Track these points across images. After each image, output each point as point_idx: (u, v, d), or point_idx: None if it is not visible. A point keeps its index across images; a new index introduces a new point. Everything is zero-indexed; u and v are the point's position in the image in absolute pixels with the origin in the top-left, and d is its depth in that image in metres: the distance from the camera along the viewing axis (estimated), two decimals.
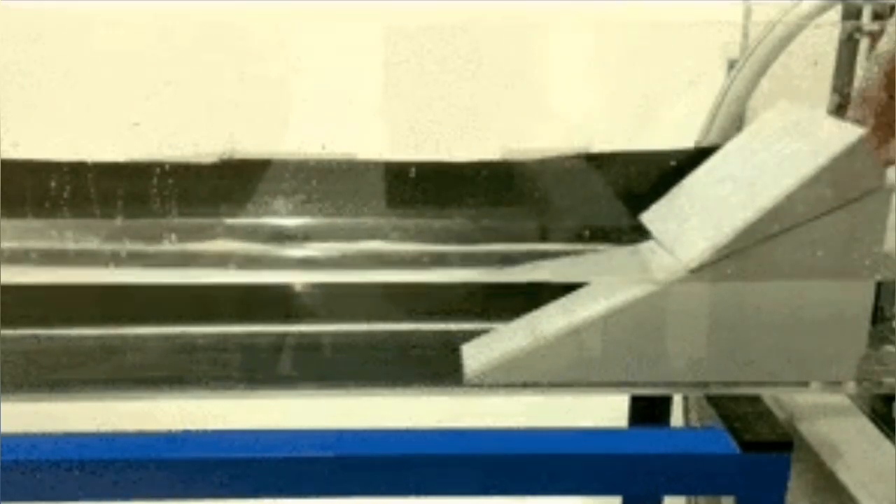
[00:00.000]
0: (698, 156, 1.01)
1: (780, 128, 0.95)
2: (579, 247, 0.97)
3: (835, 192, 0.82)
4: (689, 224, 0.91)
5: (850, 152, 0.82)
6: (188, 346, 0.96)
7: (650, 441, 0.86)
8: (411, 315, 0.98)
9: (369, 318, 0.98)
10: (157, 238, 0.94)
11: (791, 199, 0.83)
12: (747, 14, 1.11)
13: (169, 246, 0.94)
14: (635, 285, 0.87)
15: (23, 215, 0.94)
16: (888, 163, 0.85)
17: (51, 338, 0.96)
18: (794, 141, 0.90)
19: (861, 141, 0.82)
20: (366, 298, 0.97)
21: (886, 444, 0.99)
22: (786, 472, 0.83)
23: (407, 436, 0.86)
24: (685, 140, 1.05)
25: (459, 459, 0.83)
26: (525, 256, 0.95)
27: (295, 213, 0.98)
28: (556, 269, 0.95)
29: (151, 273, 0.92)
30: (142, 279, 0.91)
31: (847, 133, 0.83)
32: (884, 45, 0.93)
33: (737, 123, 1.07)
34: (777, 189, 0.83)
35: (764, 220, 0.83)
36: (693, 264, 0.85)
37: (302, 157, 0.97)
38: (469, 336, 0.94)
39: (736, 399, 0.89)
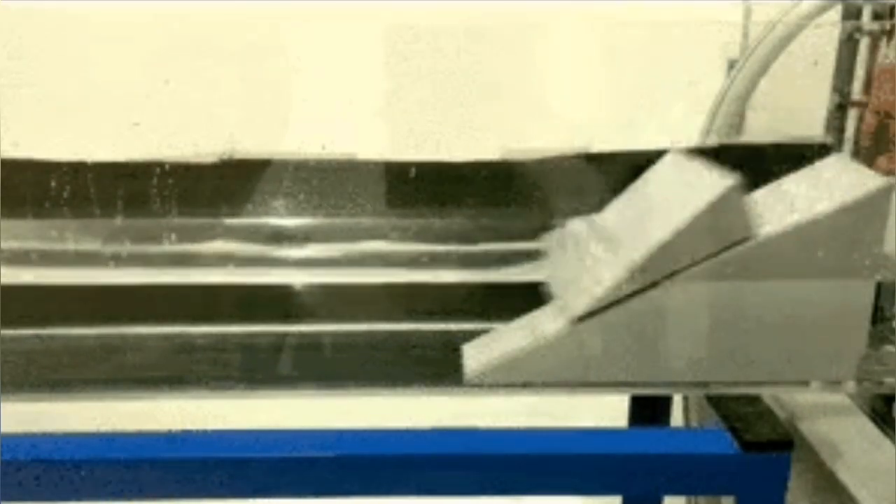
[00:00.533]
0: (697, 155, 1.00)
1: (666, 177, 0.96)
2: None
3: (707, 240, 0.84)
4: (578, 272, 0.92)
5: (721, 203, 0.84)
6: (187, 346, 0.96)
7: (650, 441, 0.86)
8: (411, 315, 0.98)
9: (369, 318, 0.98)
10: (156, 238, 0.94)
11: (664, 249, 0.84)
12: (747, 14, 1.11)
13: (169, 246, 0.94)
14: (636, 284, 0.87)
15: (22, 215, 0.94)
16: None
17: (51, 338, 0.96)
18: (674, 191, 0.92)
19: (731, 191, 0.84)
20: (365, 298, 0.97)
21: (886, 443, 0.99)
22: (786, 472, 0.83)
23: (407, 436, 0.86)
24: (685, 139, 1.05)
25: (459, 459, 0.83)
26: (525, 256, 0.95)
27: (294, 213, 0.98)
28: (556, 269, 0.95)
29: (150, 273, 0.92)
30: (141, 279, 0.91)
31: (720, 184, 0.85)
32: None
33: (737, 123, 1.07)
34: (645, 243, 0.85)
35: (637, 271, 0.85)
36: (575, 315, 0.86)
37: (302, 156, 0.97)
38: (469, 336, 0.94)
39: (736, 399, 0.89)
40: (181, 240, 0.94)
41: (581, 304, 0.86)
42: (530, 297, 0.93)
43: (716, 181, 0.85)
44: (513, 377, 0.88)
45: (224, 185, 0.97)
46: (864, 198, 0.83)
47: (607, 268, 0.87)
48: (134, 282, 0.92)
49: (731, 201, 0.84)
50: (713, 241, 0.84)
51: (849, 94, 1.11)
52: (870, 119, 1.05)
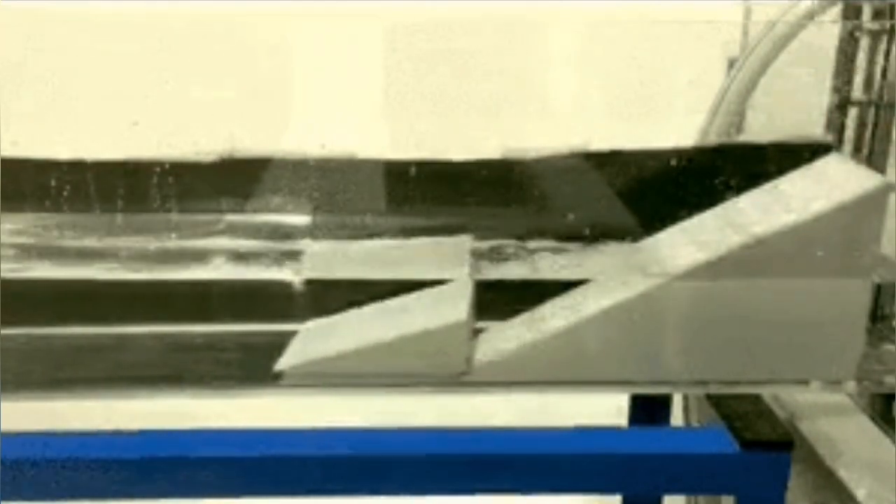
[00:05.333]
0: (697, 155, 1.01)
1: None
2: (578, 244, 0.97)
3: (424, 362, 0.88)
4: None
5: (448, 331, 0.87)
6: (185, 345, 0.96)
7: (650, 440, 0.86)
8: None
9: None
10: (156, 236, 0.94)
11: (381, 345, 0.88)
12: (747, 13, 1.11)
13: (169, 243, 0.94)
14: (635, 283, 0.87)
15: (22, 213, 0.94)
16: None
17: (50, 337, 0.96)
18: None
19: (458, 325, 0.87)
20: (363, 297, 0.97)
21: (886, 442, 0.99)
22: (786, 471, 0.83)
23: (407, 436, 0.86)
24: (685, 138, 1.05)
25: (460, 459, 0.84)
26: (524, 255, 0.95)
27: (294, 211, 0.98)
28: (555, 266, 0.95)
29: (149, 270, 0.92)
30: (140, 276, 0.92)
31: (452, 315, 0.87)
32: None
33: (737, 122, 1.07)
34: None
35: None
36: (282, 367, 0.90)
37: (301, 155, 0.97)
38: None
39: (736, 398, 0.89)
40: (181, 237, 0.95)
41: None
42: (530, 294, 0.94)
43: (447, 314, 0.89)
44: (514, 374, 0.88)
45: (224, 184, 0.97)
46: (862, 196, 0.83)
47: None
48: (131, 279, 0.92)
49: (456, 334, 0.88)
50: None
51: (849, 93, 1.11)
52: None
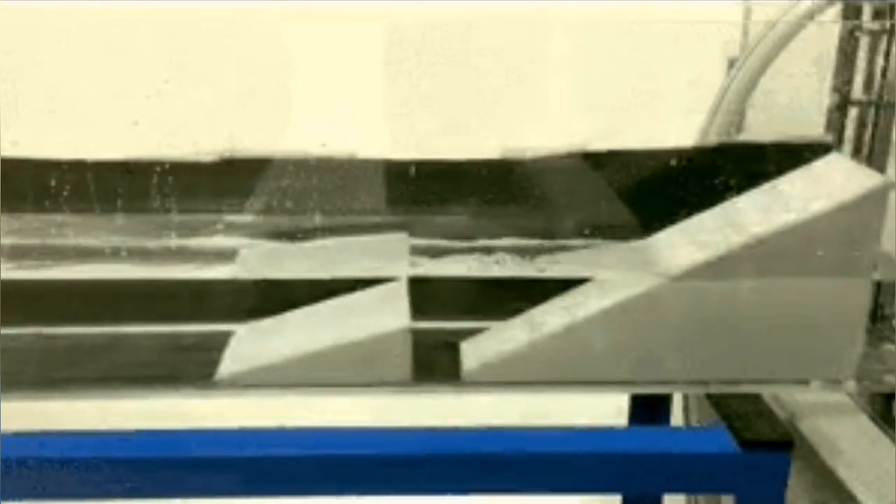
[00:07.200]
0: (697, 155, 1.01)
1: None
2: (578, 244, 0.97)
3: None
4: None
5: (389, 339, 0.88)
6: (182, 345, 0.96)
7: (650, 440, 0.86)
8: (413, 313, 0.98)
9: None
10: (156, 236, 0.94)
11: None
12: (747, 13, 1.11)
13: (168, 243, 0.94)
14: (635, 283, 0.87)
15: (22, 213, 0.94)
16: None
17: (50, 336, 0.96)
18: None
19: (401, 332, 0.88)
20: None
21: (886, 442, 0.99)
22: (786, 471, 0.83)
23: (407, 435, 0.86)
24: (685, 138, 1.05)
25: (460, 459, 0.84)
26: (524, 254, 0.95)
27: (295, 210, 0.98)
28: (555, 265, 0.95)
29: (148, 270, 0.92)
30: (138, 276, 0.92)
31: (394, 321, 0.88)
32: None
33: (737, 122, 1.07)
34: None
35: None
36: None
37: (302, 155, 0.97)
38: (468, 333, 0.94)
39: (736, 398, 0.89)
40: (181, 237, 0.95)
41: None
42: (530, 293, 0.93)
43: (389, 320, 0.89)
44: (510, 374, 0.88)
45: (224, 183, 0.97)
46: (862, 196, 0.83)
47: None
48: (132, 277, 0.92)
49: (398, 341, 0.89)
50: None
51: (849, 93, 1.11)
52: None
